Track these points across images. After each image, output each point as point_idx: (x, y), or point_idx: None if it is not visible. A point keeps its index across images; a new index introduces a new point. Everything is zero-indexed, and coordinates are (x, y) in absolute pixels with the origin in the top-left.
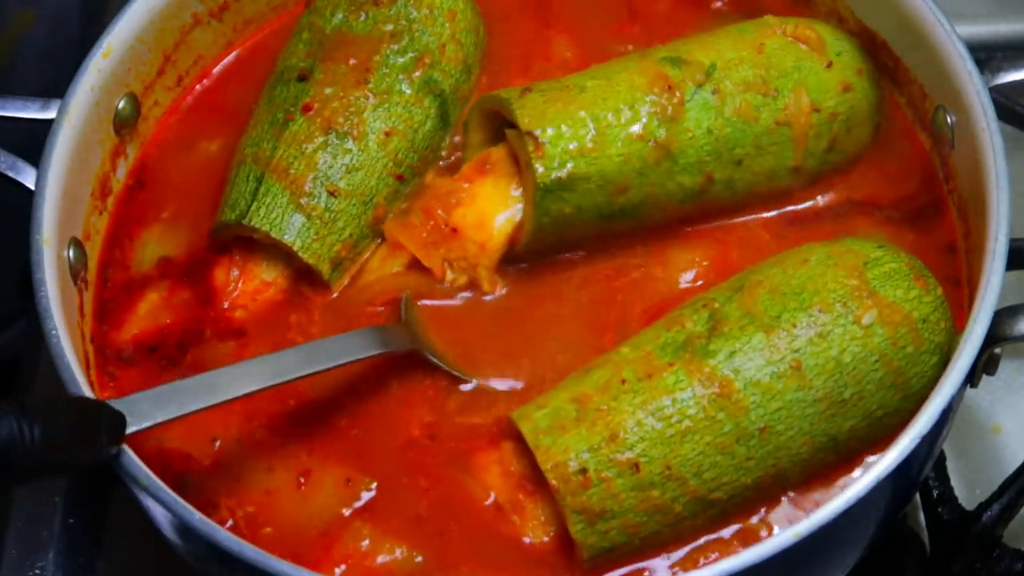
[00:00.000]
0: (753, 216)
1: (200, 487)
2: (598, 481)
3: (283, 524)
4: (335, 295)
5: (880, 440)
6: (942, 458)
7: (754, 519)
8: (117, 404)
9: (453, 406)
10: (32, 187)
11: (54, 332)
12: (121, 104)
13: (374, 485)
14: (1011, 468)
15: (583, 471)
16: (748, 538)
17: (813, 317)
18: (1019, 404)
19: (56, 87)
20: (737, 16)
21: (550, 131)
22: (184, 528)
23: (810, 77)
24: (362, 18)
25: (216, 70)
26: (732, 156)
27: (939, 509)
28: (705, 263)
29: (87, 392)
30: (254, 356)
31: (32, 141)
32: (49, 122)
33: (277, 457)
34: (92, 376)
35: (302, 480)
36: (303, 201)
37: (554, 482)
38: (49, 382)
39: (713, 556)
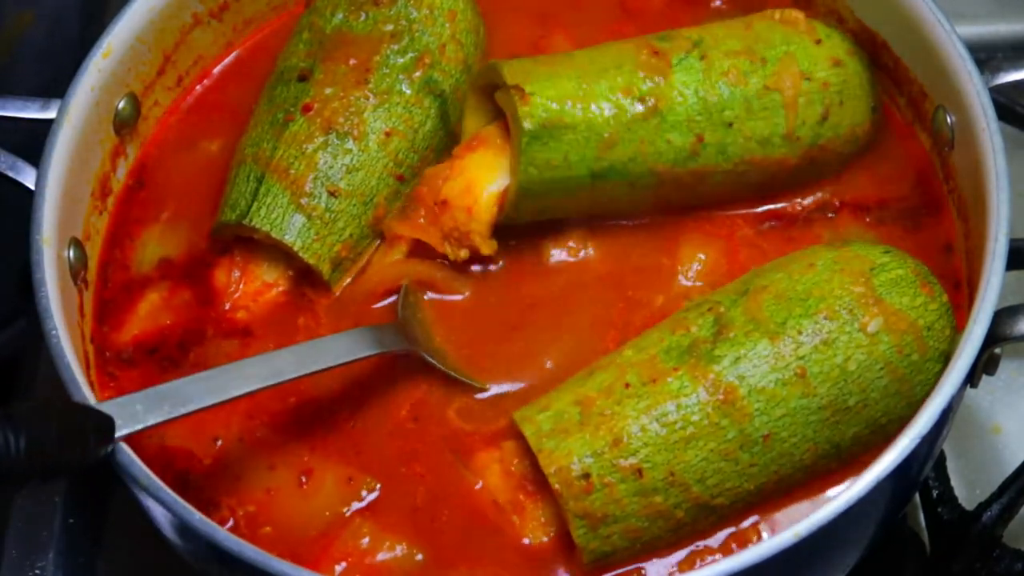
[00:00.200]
0: (752, 210)
1: (201, 486)
2: (601, 486)
3: (284, 523)
4: (336, 294)
5: (883, 447)
6: (942, 458)
7: (753, 524)
8: (109, 406)
9: (455, 406)
10: (32, 187)
11: (54, 332)
12: (121, 104)
13: (376, 484)
14: (1011, 468)
15: (586, 476)
16: (747, 542)
17: (819, 324)
18: (1019, 404)
19: (56, 87)
20: (736, 14)
21: (537, 85)
22: (184, 528)
23: (799, 50)
24: (362, 18)
25: (216, 70)
26: (722, 118)
27: (939, 509)
28: (709, 262)
29: (87, 392)
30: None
31: (32, 141)
32: (49, 122)
33: (279, 455)
34: (92, 376)
35: (303, 479)
36: (303, 201)
37: (557, 486)
38: (49, 382)
39: (712, 559)
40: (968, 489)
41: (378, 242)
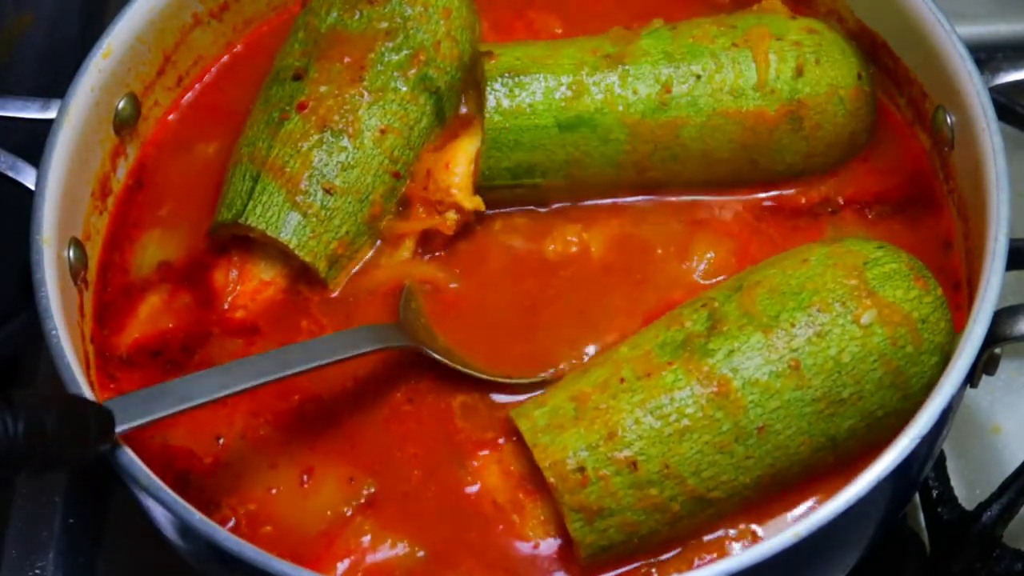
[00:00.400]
0: (743, 196)
1: (202, 485)
2: (596, 479)
3: (285, 522)
4: (335, 293)
5: (880, 440)
6: (942, 458)
7: (751, 520)
8: (108, 403)
9: (456, 405)
10: (32, 187)
11: (54, 332)
12: (121, 104)
13: (377, 483)
14: (1011, 468)
15: (581, 469)
16: (746, 539)
17: (812, 317)
18: (1019, 404)
19: (56, 87)
20: (733, 10)
21: (506, 49)
22: (184, 528)
23: (771, 22)
24: (357, 16)
25: (216, 70)
26: (690, 71)
27: (939, 509)
28: (718, 259)
29: (87, 392)
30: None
31: (32, 141)
32: (49, 122)
33: (280, 454)
34: (92, 376)
35: (305, 478)
36: (299, 199)
37: (552, 480)
38: (49, 381)
39: (710, 557)
40: (968, 489)
41: (378, 243)
